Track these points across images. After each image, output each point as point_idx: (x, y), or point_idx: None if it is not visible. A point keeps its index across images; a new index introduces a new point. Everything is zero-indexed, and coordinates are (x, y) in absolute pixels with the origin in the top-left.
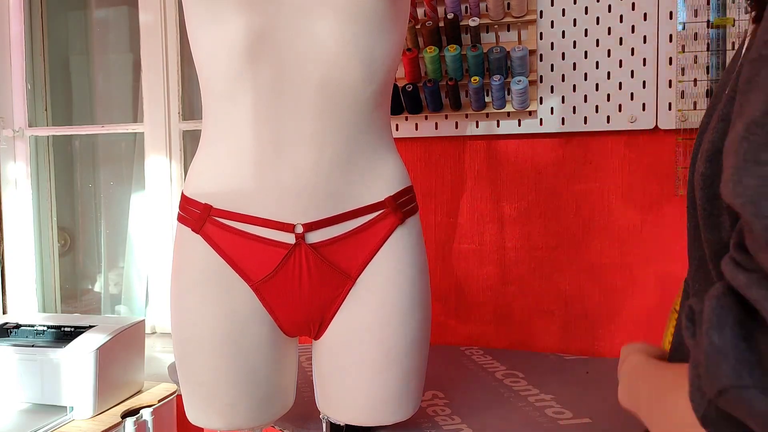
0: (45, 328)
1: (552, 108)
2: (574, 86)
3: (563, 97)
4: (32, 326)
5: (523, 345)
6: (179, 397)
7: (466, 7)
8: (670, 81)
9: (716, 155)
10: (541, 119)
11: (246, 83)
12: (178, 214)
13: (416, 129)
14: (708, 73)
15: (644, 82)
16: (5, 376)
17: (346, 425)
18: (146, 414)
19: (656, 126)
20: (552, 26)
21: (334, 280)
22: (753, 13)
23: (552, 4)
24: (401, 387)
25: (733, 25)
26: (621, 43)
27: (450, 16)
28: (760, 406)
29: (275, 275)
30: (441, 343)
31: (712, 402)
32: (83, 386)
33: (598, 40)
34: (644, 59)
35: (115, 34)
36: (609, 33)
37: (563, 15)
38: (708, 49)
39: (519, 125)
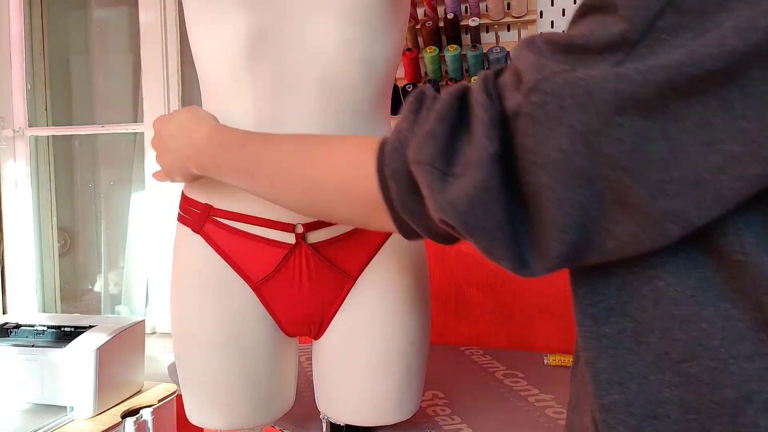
0: (45, 328)
1: None
2: None
3: None
4: (32, 326)
5: (523, 345)
6: (179, 397)
7: (466, 7)
8: None
9: None
10: None
11: (246, 83)
12: (178, 214)
13: None
14: None
15: None
16: (5, 376)
17: (346, 425)
18: (146, 414)
19: None
20: (552, 26)
21: (335, 280)
22: None
23: (552, 4)
24: (402, 387)
25: None
26: None
27: (450, 16)
28: (434, 187)
29: (275, 275)
30: (441, 343)
31: (405, 165)
32: (83, 386)
33: None
34: None
35: (115, 34)
36: None
37: (563, 15)
38: None
39: None
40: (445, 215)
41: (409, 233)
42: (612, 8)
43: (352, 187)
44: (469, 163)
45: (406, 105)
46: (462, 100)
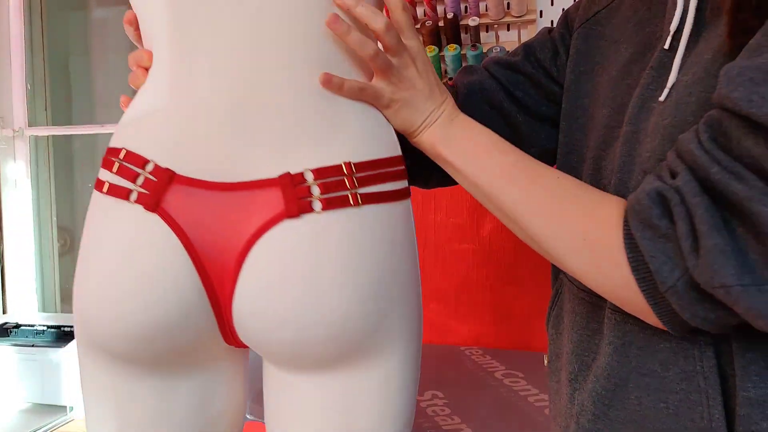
0: (45, 328)
1: None
2: None
3: None
4: (32, 326)
5: (523, 345)
6: None
7: (466, 7)
8: None
9: None
10: None
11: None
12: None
13: None
14: None
15: None
16: (5, 376)
17: None
18: None
19: None
20: (552, 26)
21: None
22: None
23: (552, 4)
24: None
25: None
26: None
27: (450, 15)
28: (756, 303)
29: None
30: (441, 342)
31: (685, 279)
32: None
33: None
34: None
35: (115, 34)
36: None
37: None
38: None
39: None
40: None
41: (683, 323)
42: None
43: (601, 268)
44: None
45: (645, 209)
46: (723, 196)
